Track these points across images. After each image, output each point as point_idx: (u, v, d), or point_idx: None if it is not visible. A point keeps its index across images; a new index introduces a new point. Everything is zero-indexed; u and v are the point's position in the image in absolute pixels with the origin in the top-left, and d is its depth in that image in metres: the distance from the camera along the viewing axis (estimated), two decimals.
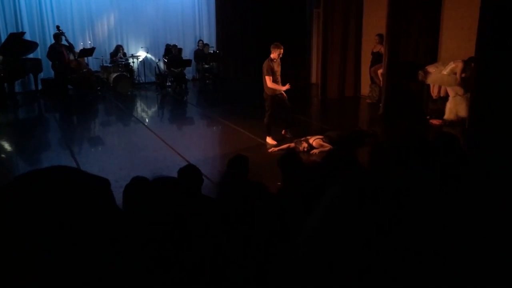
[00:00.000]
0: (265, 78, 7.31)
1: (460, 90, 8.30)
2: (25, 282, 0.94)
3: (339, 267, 0.95)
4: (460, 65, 8.17)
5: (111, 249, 1.04)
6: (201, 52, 14.39)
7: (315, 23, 13.89)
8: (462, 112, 8.29)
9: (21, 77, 12.14)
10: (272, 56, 7.25)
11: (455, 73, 8.23)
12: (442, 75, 8.41)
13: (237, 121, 9.07)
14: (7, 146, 8.24)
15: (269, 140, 7.51)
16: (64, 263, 0.96)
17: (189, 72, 14.66)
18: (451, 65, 8.32)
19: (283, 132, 7.77)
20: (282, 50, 7.20)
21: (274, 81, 7.32)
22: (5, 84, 11.32)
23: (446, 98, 8.62)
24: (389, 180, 1.16)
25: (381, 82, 9.82)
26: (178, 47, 13.78)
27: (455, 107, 8.41)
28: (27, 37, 12.16)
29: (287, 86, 7.27)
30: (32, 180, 1.04)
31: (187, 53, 14.77)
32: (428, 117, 8.85)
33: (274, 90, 7.31)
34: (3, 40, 11.85)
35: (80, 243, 0.99)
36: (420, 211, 1.15)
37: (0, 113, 10.37)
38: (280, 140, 7.54)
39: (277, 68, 7.35)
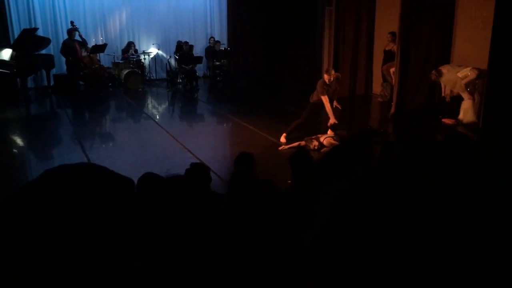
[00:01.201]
0: (319, 96, 7.27)
1: (467, 96, 8.28)
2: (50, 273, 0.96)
3: (344, 262, 0.95)
4: (473, 75, 8.10)
5: (128, 245, 1.05)
6: (212, 49, 14.40)
7: (327, 21, 13.81)
8: (471, 116, 8.27)
9: (33, 73, 12.25)
10: (325, 79, 7.28)
11: (466, 79, 8.18)
12: (456, 78, 8.32)
13: (248, 118, 9.08)
14: (19, 141, 8.33)
15: (282, 137, 7.50)
16: (87, 256, 0.98)
17: (200, 69, 14.68)
18: (466, 71, 8.21)
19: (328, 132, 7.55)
20: (333, 73, 7.26)
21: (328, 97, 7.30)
22: (18, 80, 11.44)
23: (460, 97, 8.54)
24: (390, 179, 1.16)
25: (393, 81, 9.76)
26: (189, 44, 13.80)
27: (470, 109, 8.35)
28: (40, 33, 12.26)
29: (333, 120, 7.22)
30: (62, 176, 1.06)
31: (198, 50, 14.79)
32: (440, 116, 8.78)
33: (320, 99, 7.29)
34: (16, 36, 11.96)
35: (102, 238, 1.00)
36: (421, 209, 1.15)
37: (12, 108, 10.48)
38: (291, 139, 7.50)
39: (331, 93, 7.33)
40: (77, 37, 12.10)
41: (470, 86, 8.31)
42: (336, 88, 7.46)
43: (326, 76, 7.28)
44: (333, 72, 7.34)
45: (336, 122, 7.24)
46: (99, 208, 1.02)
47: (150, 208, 1.52)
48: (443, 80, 8.64)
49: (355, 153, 3.31)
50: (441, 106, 8.96)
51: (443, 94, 8.86)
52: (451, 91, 8.72)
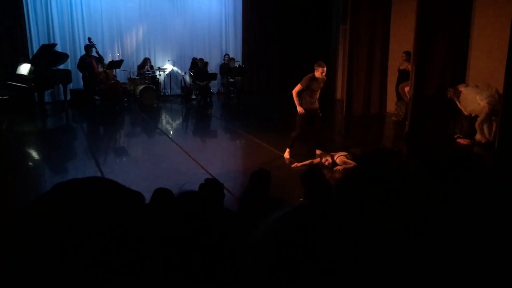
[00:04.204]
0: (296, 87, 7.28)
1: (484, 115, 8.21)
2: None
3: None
4: (486, 109, 8.05)
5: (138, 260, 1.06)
6: (226, 66, 14.51)
7: (341, 39, 13.90)
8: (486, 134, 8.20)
9: (51, 88, 12.46)
10: (316, 74, 7.21)
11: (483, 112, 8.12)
12: (475, 101, 8.21)
13: (261, 135, 9.09)
14: (34, 154, 8.44)
15: (286, 153, 7.51)
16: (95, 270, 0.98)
17: (214, 86, 14.79)
18: (484, 99, 8.10)
19: (317, 152, 7.52)
20: (323, 69, 7.14)
21: (307, 96, 7.27)
22: (36, 94, 11.64)
23: (476, 117, 8.44)
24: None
25: (408, 99, 9.72)
26: (204, 60, 13.93)
27: (487, 128, 8.27)
28: (58, 48, 12.51)
29: (300, 109, 7.24)
30: (73, 189, 1.07)
31: (213, 67, 14.92)
32: (456, 136, 8.70)
33: (303, 111, 7.25)
34: (35, 51, 12.20)
35: (111, 253, 1.01)
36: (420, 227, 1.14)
37: (29, 122, 10.65)
38: (301, 155, 7.49)
39: (317, 86, 7.28)
40: (94, 53, 12.31)
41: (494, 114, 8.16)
42: (320, 84, 7.33)
43: (319, 70, 7.15)
44: (325, 68, 7.17)
45: (303, 112, 7.19)
46: (109, 222, 1.03)
47: (162, 223, 1.53)
48: (461, 101, 8.53)
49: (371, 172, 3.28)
50: (457, 126, 8.88)
51: (465, 113, 8.66)
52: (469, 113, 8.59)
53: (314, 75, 7.18)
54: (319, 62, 7.20)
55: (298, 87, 7.24)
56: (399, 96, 10.83)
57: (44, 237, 1.00)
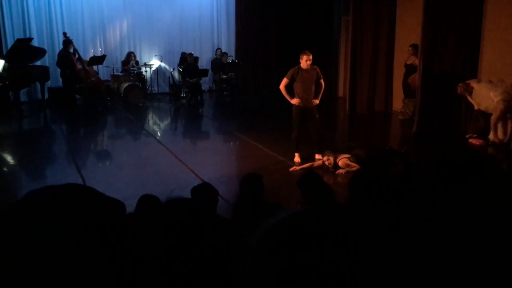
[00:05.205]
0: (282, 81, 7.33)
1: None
2: None
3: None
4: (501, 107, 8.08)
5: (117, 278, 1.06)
6: (219, 62, 14.52)
7: (344, 31, 13.93)
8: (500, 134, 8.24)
9: (27, 86, 12.40)
10: (301, 63, 7.23)
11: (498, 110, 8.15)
12: (489, 97, 8.24)
13: (257, 136, 9.09)
14: (9, 158, 8.41)
15: (296, 157, 7.49)
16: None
17: (206, 83, 14.78)
18: (503, 88, 8.13)
19: (316, 156, 7.51)
20: (307, 57, 7.14)
21: (300, 88, 7.29)
22: (10, 93, 11.59)
23: (490, 115, 8.46)
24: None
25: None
26: (194, 55, 13.93)
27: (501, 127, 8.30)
28: (35, 43, 12.46)
29: (295, 101, 7.27)
30: (47, 197, 1.07)
31: (204, 62, 14.93)
32: (467, 136, 8.73)
33: (298, 100, 7.27)
34: (9, 46, 12.16)
35: (87, 267, 1.01)
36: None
37: (4, 123, 10.61)
38: (306, 158, 7.50)
39: (306, 77, 7.30)
40: (71, 50, 12.21)
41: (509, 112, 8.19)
42: (312, 75, 7.31)
43: (303, 58, 7.13)
44: (310, 56, 7.14)
45: (299, 101, 7.22)
46: (85, 233, 1.03)
47: (148, 234, 1.52)
48: (474, 97, 8.55)
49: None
50: (468, 125, 8.91)
51: (475, 107, 8.68)
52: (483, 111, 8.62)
53: (299, 65, 7.24)
54: (303, 51, 7.24)
55: (283, 81, 7.32)
56: (406, 93, 10.85)
57: (12, 251, 0.99)
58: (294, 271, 0.91)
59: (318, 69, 7.39)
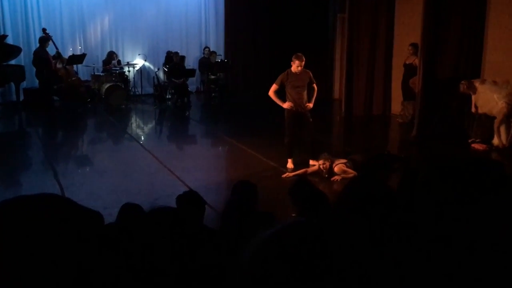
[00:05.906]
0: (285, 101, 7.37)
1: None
2: None
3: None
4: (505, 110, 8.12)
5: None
6: (206, 61, 14.50)
7: (339, 29, 13.98)
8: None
9: (1, 86, 12.33)
10: (292, 68, 7.26)
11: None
12: (492, 99, 8.30)
13: (247, 141, 9.08)
14: None
15: (289, 163, 7.49)
16: None
17: (193, 84, 14.77)
18: (508, 90, 8.18)
19: (310, 162, 7.51)
20: (299, 62, 7.15)
21: (292, 93, 7.31)
22: None
23: (493, 118, 8.51)
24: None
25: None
26: (181, 54, 13.91)
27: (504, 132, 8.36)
28: (10, 40, 12.38)
29: (287, 105, 7.28)
30: (19, 208, 1.05)
31: (191, 62, 14.91)
32: (470, 140, 8.77)
33: (290, 104, 7.30)
34: None
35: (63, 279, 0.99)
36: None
37: None
38: (300, 164, 7.49)
39: (298, 81, 7.32)
40: (51, 47, 12.16)
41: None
42: (303, 79, 7.35)
43: (295, 63, 7.16)
44: (302, 62, 7.15)
45: (291, 105, 7.25)
46: (59, 247, 1.01)
47: (130, 246, 1.50)
48: (477, 99, 8.60)
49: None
50: (472, 129, 8.94)
51: (473, 110, 8.77)
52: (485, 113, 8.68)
53: (289, 70, 7.29)
54: (296, 54, 7.27)
55: (273, 87, 7.37)
56: (406, 95, 10.88)
57: None
58: (289, 285, 0.90)
59: (311, 73, 7.44)
